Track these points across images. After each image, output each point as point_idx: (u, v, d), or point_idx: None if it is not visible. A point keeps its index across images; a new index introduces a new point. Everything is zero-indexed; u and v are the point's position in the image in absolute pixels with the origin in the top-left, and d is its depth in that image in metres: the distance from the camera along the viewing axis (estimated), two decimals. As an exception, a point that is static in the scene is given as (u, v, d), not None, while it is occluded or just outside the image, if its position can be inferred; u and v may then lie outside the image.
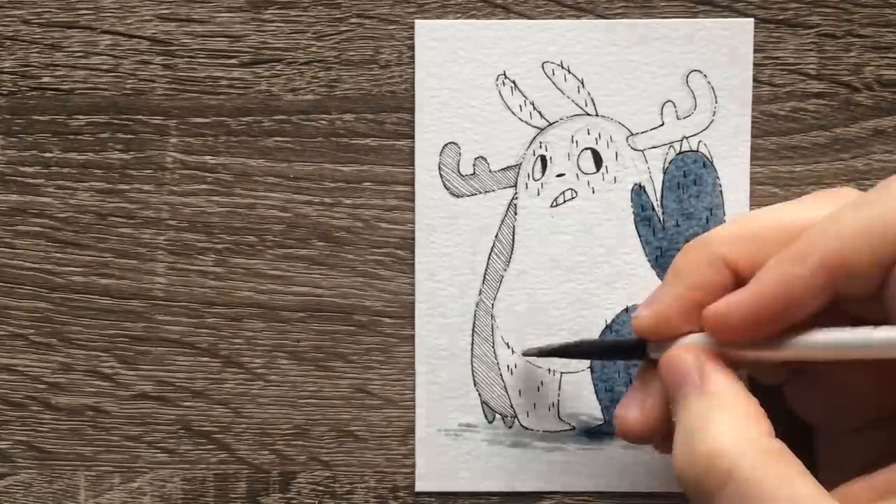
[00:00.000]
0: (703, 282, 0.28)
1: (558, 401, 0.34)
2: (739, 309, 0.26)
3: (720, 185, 0.34)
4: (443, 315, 0.34)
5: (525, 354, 0.33)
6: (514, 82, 0.34)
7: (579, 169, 0.34)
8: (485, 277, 0.34)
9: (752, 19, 0.33)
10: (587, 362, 0.34)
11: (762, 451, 0.25)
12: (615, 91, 0.34)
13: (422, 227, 0.34)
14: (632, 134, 0.34)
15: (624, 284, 0.34)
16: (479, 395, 0.34)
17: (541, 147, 0.34)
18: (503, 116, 0.34)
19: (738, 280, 0.27)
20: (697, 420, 0.26)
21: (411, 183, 0.34)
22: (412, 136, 0.34)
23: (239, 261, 0.34)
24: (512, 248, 0.34)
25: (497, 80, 0.34)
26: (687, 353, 0.28)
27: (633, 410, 0.30)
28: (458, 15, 0.34)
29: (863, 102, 0.34)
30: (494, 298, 0.34)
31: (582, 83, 0.34)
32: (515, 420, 0.34)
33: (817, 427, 0.30)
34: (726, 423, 0.26)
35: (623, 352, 0.31)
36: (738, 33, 0.33)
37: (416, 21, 0.34)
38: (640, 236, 0.34)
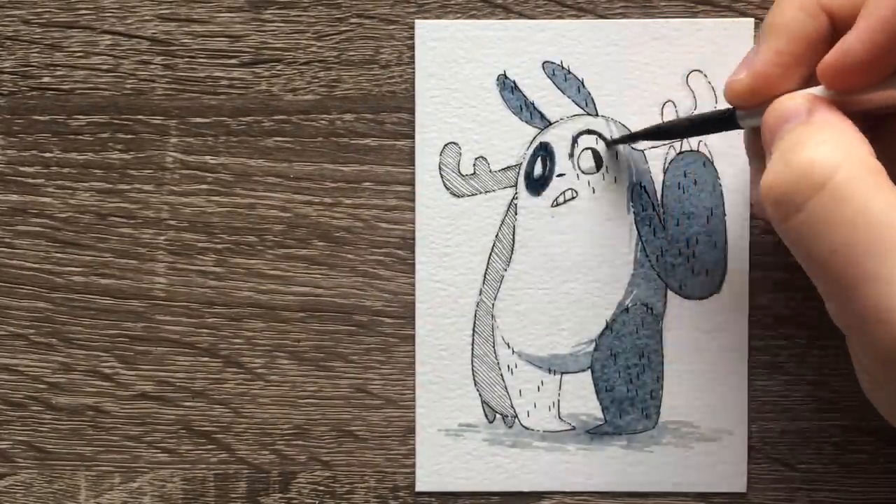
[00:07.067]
0: (802, 31, 0.27)
1: (558, 401, 0.34)
2: (855, 49, 0.25)
3: (720, 185, 0.34)
4: (443, 315, 0.34)
5: (611, 143, 0.33)
6: (514, 82, 0.34)
7: (579, 169, 0.34)
8: (485, 277, 0.34)
9: (752, 19, 0.33)
10: (587, 363, 0.34)
11: (862, 164, 0.24)
12: (615, 91, 0.34)
13: (422, 227, 0.34)
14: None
15: (624, 284, 0.34)
16: (480, 395, 0.34)
17: (541, 147, 0.34)
18: (503, 116, 0.34)
19: (836, 27, 0.27)
20: (798, 138, 0.25)
21: (411, 183, 0.34)
22: (412, 136, 0.34)
23: (239, 261, 0.34)
24: (512, 248, 0.34)
25: (497, 80, 0.34)
26: (796, 96, 0.26)
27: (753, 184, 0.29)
28: (458, 15, 0.34)
29: (863, 102, 0.34)
30: (495, 298, 0.34)
31: (582, 83, 0.34)
32: (516, 420, 0.34)
33: None
34: (828, 138, 0.25)
35: (713, 123, 0.30)
36: (738, 33, 0.33)
37: (416, 21, 0.34)
38: (640, 236, 0.34)
